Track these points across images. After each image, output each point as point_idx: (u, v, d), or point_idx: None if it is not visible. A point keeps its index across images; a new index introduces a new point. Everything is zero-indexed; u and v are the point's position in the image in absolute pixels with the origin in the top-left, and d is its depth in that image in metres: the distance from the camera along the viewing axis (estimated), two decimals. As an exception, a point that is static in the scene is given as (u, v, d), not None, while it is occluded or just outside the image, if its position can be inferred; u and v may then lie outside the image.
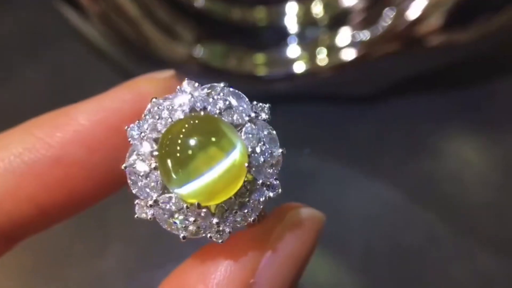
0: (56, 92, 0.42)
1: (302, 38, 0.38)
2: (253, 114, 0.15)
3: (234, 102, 0.15)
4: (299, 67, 0.37)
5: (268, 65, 0.37)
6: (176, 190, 0.14)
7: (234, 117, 0.14)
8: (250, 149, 0.14)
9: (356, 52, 0.35)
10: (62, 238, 0.34)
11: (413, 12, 0.33)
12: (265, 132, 0.15)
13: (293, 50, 0.38)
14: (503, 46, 0.39)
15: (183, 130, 0.14)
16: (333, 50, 0.36)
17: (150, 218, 0.14)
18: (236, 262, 0.15)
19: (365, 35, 0.35)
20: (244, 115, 0.15)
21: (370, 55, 0.35)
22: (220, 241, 0.14)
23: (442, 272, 0.32)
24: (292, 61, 0.37)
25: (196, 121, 0.14)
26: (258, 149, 0.14)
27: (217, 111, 0.14)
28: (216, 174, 0.13)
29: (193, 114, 0.14)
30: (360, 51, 0.35)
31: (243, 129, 0.14)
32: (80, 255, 0.33)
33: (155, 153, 0.14)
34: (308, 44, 0.37)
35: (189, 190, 0.14)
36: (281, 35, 0.39)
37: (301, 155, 0.36)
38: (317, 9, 0.39)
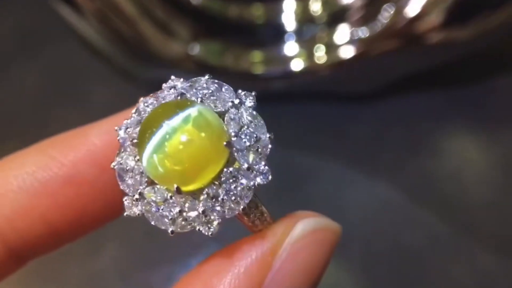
0: (52, 90, 0.42)
1: (300, 35, 0.38)
2: (236, 101, 0.14)
3: (217, 91, 0.14)
4: (297, 65, 0.37)
5: (266, 63, 0.37)
6: (143, 159, 0.14)
7: (217, 104, 0.14)
8: (233, 133, 0.14)
9: (355, 49, 0.35)
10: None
11: (412, 9, 0.33)
12: (250, 118, 0.14)
13: (290, 47, 0.38)
14: (503, 44, 0.39)
15: (156, 114, 0.14)
16: (331, 47, 0.36)
17: (138, 214, 0.14)
18: (241, 275, 0.14)
19: (363, 32, 0.35)
20: (227, 102, 0.14)
21: (369, 53, 0.35)
22: (209, 233, 0.14)
23: (442, 272, 0.32)
24: (290, 59, 0.37)
25: (169, 106, 0.14)
26: (242, 134, 0.14)
27: (199, 99, 0.14)
28: (167, 130, 0.13)
29: (167, 101, 0.14)
30: (359, 48, 0.35)
31: (226, 114, 0.14)
32: (76, 254, 0.33)
33: (135, 141, 0.14)
34: (306, 42, 0.37)
35: (148, 152, 0.13)
36: (279, 33, 0.39)
37: (299, 154, 0.36)
38: (315, 6, 0.39)
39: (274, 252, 0.14)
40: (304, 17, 0.39)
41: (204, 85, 0.15)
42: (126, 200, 0.14)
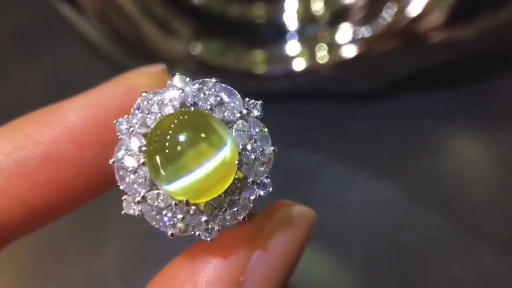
0: (53, 89, 0.41)
1: (301, 35, 0.38)
2: (244, 111, 0.14)
3: (225, 98, 0.14)
4: (299, 65, 0.37)
5: (267, 63, 0.37)
6: (164, 187, 0.14)
7: (225, 114, 0.14)
8: (241, 147, 0.14)
9: (357, 49, 0.35)
10: (59, 236, 0.33)
11: (414, 8, 0.33)
12: (257, 130, 0.14)
13: (292, 47, 0.37)
14: (505, 43, 0.39)
15: (173, 125, 0.14)
16: (333, 47, 0.36)
17: (137, 215, 0.14)
18: (226, 260, 0.14)
19: (366, 31, 0.35)
20: (235, 111, 0.14)
21: (371, 52, 0.35)
22: (208, 239, 0.14)
23: (443, 271, 0.32)
24: (292, 58, 0.37)
25: (186, 117, 0.14)
26: (249, 147, 0.14)
27: (208, 107, 0.14)
28: (206, 171, 0.13)
29: (183, 109, 0.14)
30: (361, 48, 0.35)
31: (234, 126, 0.14)
32: (77, 253, 0.33)
33: (144, 148, 0.14)
34: (308, 41, 0.37)
35: (178, 187, 0.13)
36: (280, 32, 0.39)
37: (300, 154, 0.36)
38: (317, 6, 0.39)
39: (257, 238, 0.15)
40: (306, 16, 0.39)
41: (212, 90, 0.14)
42: (125, 199, 0.14)
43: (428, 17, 0.33)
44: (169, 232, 0.14)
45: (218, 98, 0.14)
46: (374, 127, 0.38)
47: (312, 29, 0.38)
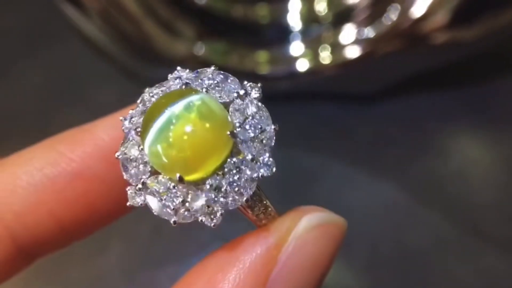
0: (55, 88, 0.41)
1: (305, 35, 0.38)
2: (242, 91, 0.14)
3: (222, 81, 0.14)
4: (302, 65, 0.37)
5: (271, 63, 0.37)
6: (145, 143, 0.14)
7: (222, 94, 0.14)
8: (237, 124, 0.14)
9: (360, 49, 0.35)
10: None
11: (418, 9, 0.33)
12: (255, 109, 0.14)
13: (296, 48, 0.37)
14: (509, 44, 0.39)
15: (159, 104, 0.14)
16: (336, 47, 0.36)
17: (141, 204, 0.14)
18: (246, 270, 0.14)
19: (369, 32, 0.35)
20: (232, 92, 0.14)
21: (374, 53, 0.35)
22: (212, 224, 0.14)
23: (446, 272, 0.31)
24: (295, 59, 0.37)
25: (173, 95, 0.14)
26: (247, 125, 0.14)
27: (204, 90, 0.14)
28: (169, 115, 0.13)
29: (172, 91, 0.14)
30: (364, 48, 0.35)
31: (231, 105, 0.14)
32: (81, 254, 0.33)
33: (139, 129, 0.14)
34: (312, 42, 0.37)
35: (150, 138, 0.13)
36: (284, 33, 0.39)
37: (303, 154, 0.36)
38: (321, 6, 0.39)
39: (279, 246, 0.14)
40: (309, 17, 0.39)
41: (210, 76, 0.14)
42: (129, 190, 0.14)
43: (431, 18, 0.32)
44: (172, 220, 0.14)
45: (215, 81, 0.14)
46: (377, 128, 0.37)
47: (316, 29, 0.38)
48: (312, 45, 0.37)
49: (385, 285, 0.32)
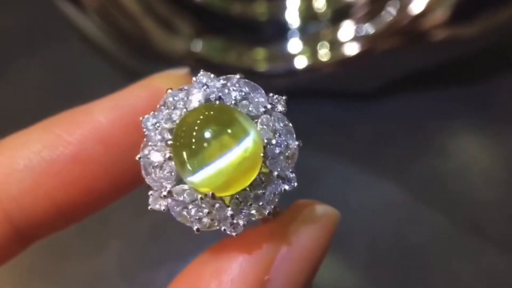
0: (54, 87, 0.41)
1: (303, 32, 0.38)
2: (269, 106, 0.14)
3: (249, 93, 0.15)
4: (301, 63, 0.36)
5: (269, 61, 0.37)
6: (189, 178, 0.14)
7: (250, 108, 0.14)
8: (265, 141, 0.14)
9: (359, 46, 0.35)
10: (61, 234, 0.33)
11: (417, 6, 0.32)
12: (281, 124, 0.14)
13: (294, 45, 0.37)
14: (510, 41, 0.38)
15: (198, 121, 0.14)
16: (335, 45, 0.36)
17: (163, 210, 0.14)
18: (251, 257, 0.14)
19: (368, 29, 0.34)
20: (260, 106, 0.14)
21: (373, 50, 0.35)
22: (234, 234, 0.14)
23: (447, 271, 0.31)
24: (293, 56, 0.37)
25: (211, 112, 0.14)
26: (273, 141, 0.14)
27: (233, 102, 0.14)
28: (228, 161, 0.13)
29: (207, 104, 0.14)
30: (363, 45, 0.35)
31: (259, 120, 0.14)
32: (79, 252, 0.33)
33: (170, 142, 0.14)
34: (310, 39, 0.37)
35: (202, 177, 0.13)
36: (282, 30, 0.38)
37: (302, 153, 0.36)
38: (319, 3, 0.38)
39: (282, 236, 0.15)
40: (308, 14, 0.38)
41: (237, 85, 0.15)
42: (152, 194, 0.14)
43: (431, 14, 0.32)
44: (195, 227, 0.14)
45: (242, 93, 0.14)
46: (377, 126, 0.37)
47: (314, 26, 0.38)
48: (311, 42, 0.37)
49: (385, 283, 0.31)
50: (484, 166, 0.35)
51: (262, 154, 0.14)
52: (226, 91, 0.14)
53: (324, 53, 0.36)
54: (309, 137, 0.37)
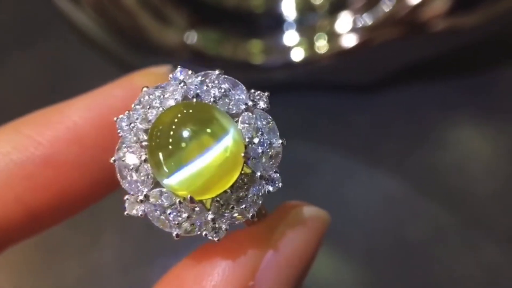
0: (49, 81, 0.41)
1: (300, 24, 0.38)
2: (250, 103, 0.14)
3: (229, 90, 0.14)
4: (298, 55, 0.36)
5: (265, 53, 0.37)
6: (165, 181, 0.13)
7: (230, 106, 0.14)
8: (247, 140, 0.13)
9: (357, 38, 0.34)
10: (56, 229, 0.33)
11: (416, -4, 0.32)
12: (264, 122, 0.14)
13: (291, 37, 0.37)
14: (510, 31, 0.38)
15: (175, 120, 0.13)
16: (333, 36, 0.35)
17: (141, 215, 0.13)
18: (235, 262, 0.14)
19: (366, 20, 0.34)
20: (240, 103, 0.14)
21: (371, 41, 0.34)
22: (216, 239, 0.13)
23: (447, 265, 0.31)
24: (290, 48, 0.37)
25: (189, 110, 0.13)
26: (256, 140, 0.13)
27: (212, 99, 0.14)
28: (207, 162, 0.13)
29: (185, 102, 0.13)
30: (361, 37, 0.34)
31: (240, 118, 0.14)
32: (75, 247, 0.33)
33: (145, 143, 0.13)
34: (307, 30, 0.37)
35: (178, 179, 0.13)
36: (278, 22, 0.38)
37: (299, 147, 0.36)
38: (316, -5, 0.38)
39: (267, 240, 0.14)
40: (305, 5, 0.38)
41: (216, 82, 0.14)
42: (128, 198, 0.14)
43: (430, 4, 0.32)
44: (174, 233, 0.13)
45: (222, 90, 0.14)
46: (375, 118, 0.37)
47: (311, 18, 0.37)
48: (308, 34, 0.36)
49: (383, 278, 0.31)
50: (485, 158, 0.35)
51: (243, 154, 0.13)
52: (205, 88, 0.14)
53: (321, 45, 0.36)
54: (306, 129, 0.37)
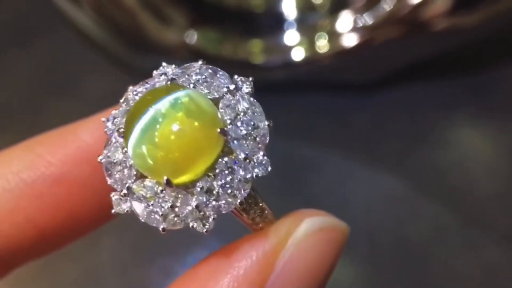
0: (48, 80, 0.41)
1: (301, 23, 0.37)
2: (232, 87, 0.13)
3: (211, 76, 0.14)
4: (298, 54, 0.36)
5: (265, 52, 0.37)
6: (129, 145, 0.13)
7: (211, 89, 0.13)
8: (228, 121, 0.13)
9: (358, 37, 0.34)
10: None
11: (417, -5, 0.32)
12: (246, 105, 0.13)
13: (291, 36, 0.37)
14: (511, 29, 0.38)
15: (144, 99, 0.13)
16: (333, 35, 0.35)
17: (127, 211, 0.13)
18: (240, 278, 0.13)
19: (367, 19, 0.34)
20: (222, 87, 0.13)
21: (372, 41, 0.34)
22: (204, 230, 0.13)
23: (447, 264, 0.31)
24: (290, 48, 0.36)
25: (157, 92, 0.13)
26: (238, 122, 0.13)
27: (191, 85, 0.13)
28: (161, 109, 0.12)
29: (155, 88, 0.13)
30: (362, 36, 0.34)
31: (221, 101, 0.13)
32: (72, 248, 0.33)
33: (122, 130, 0.13)
34: (308, 30, 0.37)
35: (136, 140, 0.12)
36: (279, 21, 0.38)
37: (300, 146, 0.35)
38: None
39: (276, 252, 0.13)
40: (305, 5, 0.38)
41: (198, 71, 0.14)
42: (114, 196, 0.13)
43: (431, 4, 0.32)
44: (160, 227, 0.13)
45: (203, 77, 0.13)
46: (376, 118, 0.37)
47: (312, 17, 0.37)
48: (308, 34, 0.36)
49: (383, 277, 0.31)
50: (485, 157, 0.35)
51: (219, 130, 0.12)
52: (186, 76, 0.13)
53: (322, 45, 0.36)
54: (307, 129, 0.37)
